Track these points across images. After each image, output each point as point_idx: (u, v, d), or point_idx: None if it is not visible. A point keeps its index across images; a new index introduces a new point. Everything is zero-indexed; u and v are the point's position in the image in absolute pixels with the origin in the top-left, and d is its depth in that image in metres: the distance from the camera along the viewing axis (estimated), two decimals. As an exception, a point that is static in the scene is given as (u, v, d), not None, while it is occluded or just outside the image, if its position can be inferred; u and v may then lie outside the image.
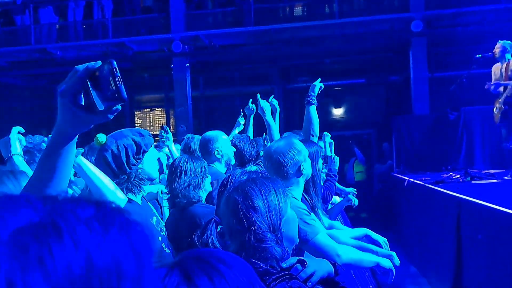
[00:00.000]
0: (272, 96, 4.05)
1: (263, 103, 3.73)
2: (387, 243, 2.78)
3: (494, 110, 6.38)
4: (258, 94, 3.85)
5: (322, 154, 3.06)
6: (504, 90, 6.13)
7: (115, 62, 0.99)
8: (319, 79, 3.62)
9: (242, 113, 4.75)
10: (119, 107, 1.03)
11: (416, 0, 10.23)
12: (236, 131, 4.77)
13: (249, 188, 1.52)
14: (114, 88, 0.99)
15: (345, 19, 10.46)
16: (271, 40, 10.85)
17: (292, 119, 11.68)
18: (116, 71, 0.99)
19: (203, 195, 2.73)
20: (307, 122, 3.45)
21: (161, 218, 2.67)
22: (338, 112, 13.84)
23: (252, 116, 4.43)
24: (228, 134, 4.84)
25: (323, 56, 11.70)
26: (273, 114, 3.92)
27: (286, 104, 11.77)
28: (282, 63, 12.01)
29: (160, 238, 2.19)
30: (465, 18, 10.05)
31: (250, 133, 4.67)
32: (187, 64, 11.23)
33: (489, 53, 6.40)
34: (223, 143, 3.51)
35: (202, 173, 2.70)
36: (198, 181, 2.66)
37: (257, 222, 1.45)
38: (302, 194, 2.67)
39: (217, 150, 3.45)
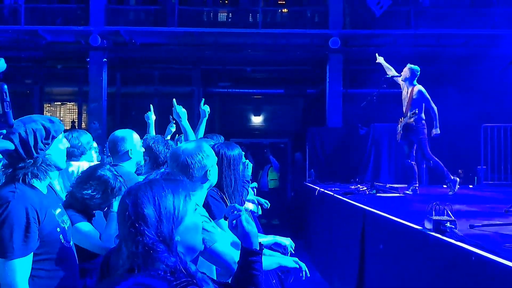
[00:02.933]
0: (203, 102, 4.05)
1: (178, 108, 3.74)
2: (293, 245, 2.88)
3: (398, 127, 6.85)
4: (174, 100, 3.84)
5: (244, 159, 3.06)
6: (404, 114, 6.60)
7: (5, 86, 0.95)
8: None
9: (172, 120, 4.67)
10: (3, 131, 0.99)
11: (335, 18, 10.71)
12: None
13: (142, 193, 1.44)
14: (1, 112, 0.95)
15: (267, 29, 10.69)
16: (194, 43, 10.80)
17: (211, 122, 11.67)
18: (6, 96, 0.94)
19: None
20: None
21: None
22: (257, 120, 14.07)
23: (204, 119, 4.32)
24: (144, 133, 4.77)
25: (244, 63, 11.85)
26: (201, 118, 3.93)
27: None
28: (204, 66, 11.99)
29: (58, 229, 2.13)
30: (378, 40, 10.69)
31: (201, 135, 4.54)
32: (105, 59, 10.84)
33: (398, 75, 6.86)
34: (134, 142, 3.45)
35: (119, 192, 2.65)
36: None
37: (146, 232, 1.38)
38: (220, 197, 2.70)
39: (129, 150, 3.39)
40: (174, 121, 4.64)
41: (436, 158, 6.54)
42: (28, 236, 1.97)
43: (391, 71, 6.92)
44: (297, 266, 2.33)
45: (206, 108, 4.00)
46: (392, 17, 10.41)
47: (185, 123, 3.71)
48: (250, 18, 10.96)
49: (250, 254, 1.75)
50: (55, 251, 2.09)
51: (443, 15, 10.87)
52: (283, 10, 11.39)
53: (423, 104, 6.61)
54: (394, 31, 10.34)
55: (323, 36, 10.74)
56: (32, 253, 2.00)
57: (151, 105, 4.25)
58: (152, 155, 3.72)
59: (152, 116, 4.50)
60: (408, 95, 6.65)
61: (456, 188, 6.48)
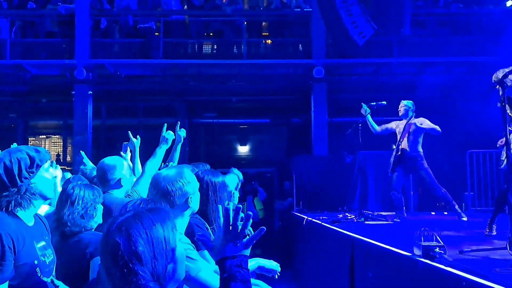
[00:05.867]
0: (178, 125, 4.01)
1: (167, 134, 3.76)
2: (279, 269, 2.81)
3: (391, 159, 6.90)
4: (165, 124, 3.83)
5: (228, 187, 2.99)
6: (396, 150, 6.68)
7: None
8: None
9: (127, 148, 4.58)
10: None
11: (318, 48, 10.87)
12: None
13: (133, 229, 1.34)
14: None
15: (251, 60, 10.79)
16: (179, 74, 10.85)
17: (196, 152, 11.65)
18: None
19: (94, 225, 2.65)
20: None
21: None
22: (243, 149, 14.05)
23: (179, 145, 4.26)
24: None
25: (229, 94, 11.90)
26: (176, 143, 3.88)
27: (191, 138, 11.72)
28: (189, 97, 12.02)
29: (36, 262, 2.09)
30: (361, 68, 10.86)
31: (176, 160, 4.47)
32: (90, 92, 10.82)
33: (383, 102, 6.94)
34: (124, 171, 3.41)
35: (94, 202, 2.63)
36: (90, 210, 2.59)
37: (140, 272, 1.30)
38: (203, 224, 2.64)
39: (120, 178, 3.34)
40: (128, 149, 4.54)
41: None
42: (2, 264, 1.93)
43: (376, 128, 6.96)
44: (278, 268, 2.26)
45: (182, 133, 3.95)
46: (374, 47, 10.59)
47: (158, 149, 3.70)
48: (234, 49, 11.07)
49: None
50: (30, 284, 2.04)
51: (424, 43, 11.11)
52: (267, 41, 11.54)
53: (422, 136, 6.69)
54: (377, 59, 10.52)
55: (307, 66, 10.88)
56: (8, 282, 1.96)
57: (129, 132, 4.17)
58: None
59: (134, 144, 4.35)
60: (407, 127, 6.72)
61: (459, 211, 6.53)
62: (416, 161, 6.67)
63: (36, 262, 2.09)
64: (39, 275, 2.10)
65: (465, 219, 6.42)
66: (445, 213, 6.53)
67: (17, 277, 2.00)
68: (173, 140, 3.90)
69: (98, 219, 2.66)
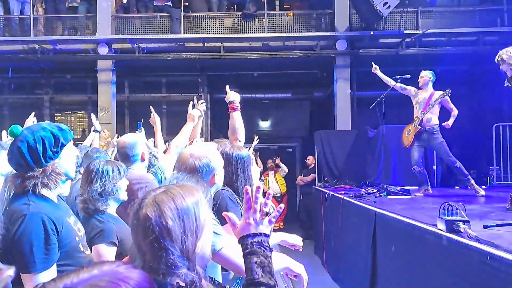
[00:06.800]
0: (203, 101, 4.00)
1: (193, 112, 3.79)
2: (302, 243, 2.84)
3: (407, 134, 6.82)
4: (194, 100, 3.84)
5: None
6: (420, 118, 6.58)
7: None
8: (228, 86, 3.64)
9: (142, 128, 4.60)
10: None
11: (341, 21, 10.65)
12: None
13: (164, 205, 1.34)
14: None
15: (273, 33, 10.67)
16: (200, 49, 10.81)
17: (219, 126, 11.68)
18: None
19: (115, 203, 2.65)
20: (232, 128, 3.38)
21: None
22: (264, 124, 14.04)
23: (201, 120, 4.28)
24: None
25: (251, 68, 11.82)
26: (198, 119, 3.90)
27: (214, 112, 11.75)
28: (210, 72, 12.00)
29: (77, 238, 2.09)
30: (385, 41, 10.61)
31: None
32: (113, 68, 10.89)
33: (407, 76, 6.81)
34: (144, 146, 3.45)
35: (115, 179, 2.60)
36: (110, 188, 2.57)
37: (169, 247, 1.31)
38: (234, 198, 2.66)
39: (140, 154, 3.37)
40: (142, 126, 4.58)
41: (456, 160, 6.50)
42: (48, 249, 1.92)
43: (390, 81, 6.89)
44: (305, 275, 2.27)
45: (202, 107, 3.93)
46: (399, 18, 10.33)
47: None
48: (256, 22, 10.94)
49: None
50: (76, 261, 2.04)
51: (452, 14, 10.78)
52: (289, 14, 11.36)
53: (439, 109, 6.61)
54: (402, 31, 10.26)
55: (330, 39, 10.70)
56: (55, 264, 1.95)
57: (151, 107, 4.18)
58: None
59: (157, 120, 4.39)
60: (427, 98, 6.62)
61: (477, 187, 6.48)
62: (431, 134, 6.59)
63: (77, 238, 2.08)
64: (82, 250, 2.11)
65: (482, 193, 6.35)
66: (469, 187, 6.45)
67: (64, 257, 1.99)
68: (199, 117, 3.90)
69: (120, 196, 2.65)
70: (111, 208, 2.62)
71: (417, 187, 7.04)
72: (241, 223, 1.66)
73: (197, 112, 3.83)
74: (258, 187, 1.63)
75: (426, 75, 6.76)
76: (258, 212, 1.63)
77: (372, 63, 7.04)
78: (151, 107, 3.95)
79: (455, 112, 6.59)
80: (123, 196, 2.66)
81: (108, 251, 2.42)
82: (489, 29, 10.32)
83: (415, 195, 6.57)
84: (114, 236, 2.46)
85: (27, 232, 1.88)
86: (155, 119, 4.23)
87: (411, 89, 6.85)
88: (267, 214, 1.65)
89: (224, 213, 1.68)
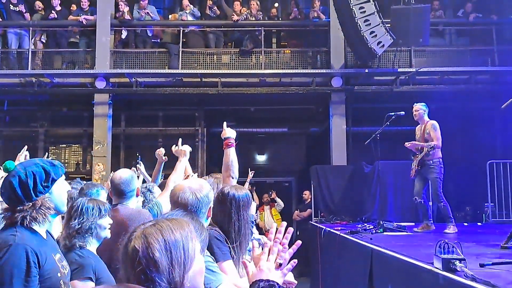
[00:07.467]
0: (181, 142, 3.89)
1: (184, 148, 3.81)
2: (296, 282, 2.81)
3: (412, 165, 6.83)
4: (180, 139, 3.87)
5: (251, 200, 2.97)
6: (420, 150, 6.61)
7: None
8: (225, 123, 3.64)
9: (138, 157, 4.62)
10: None
11: (337, 58, 10.86)
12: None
13: (152, 237, 1.36)
14: None
15: (270, 69, 10.85)
16: (198, 84, 10.94)
17: (215, 161, 11.68)
18: None
19: (95, 240, 2.66)
20: (225, 164, 3.35)
21: None
22: (261, 158, 14.06)
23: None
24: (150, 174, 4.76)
25: (248, 103, 11.95)
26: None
27: (210, 146, 11.78)
28: (207, 106, 12.10)
29: (59, 275, 2.10)
30: (379, 78, 10.79)
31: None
32: (110, 101, 10.98)
33: (401, 112, 6.90)
34: (137, 181, 3.48)
35: (94, 217, 2.64)
36: (88, 225, 2.60)
37: (157, 279, 1.32)
38: (224, 239, 2.63)
39: (134, 189, 3.39)
40: (139, 160, 4.60)
41: (445, 200, 6.50)
42: (28, 281, 1.93)
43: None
44: None
45: (187, 148, 3.88)
46: (393, 56, 10.54)
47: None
48: (253, 59, 11.13)
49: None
50: None
51: (444, 53, 11.03)
52: (285, 51, 11.58)
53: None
54: (396, 69, 10.46)
55: (326, 75, 10.87)
56: None
57: (180, 140, 4.03)
58: None
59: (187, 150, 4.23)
60: (422, 132, 6.69)
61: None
62: (428, 167, 6.59)
63: (59, 275, 2.10)
64: (62, 287, 2.11)
65: (451, 231, 6.30)
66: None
67: None
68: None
69: (102, 234, 2.68)
70: (92, 245, 2.65)
71: (413, 223, 7.02)
72: (255, 269, 1.75)
73: (188, 147, 3.84)
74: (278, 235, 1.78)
75: (420, 108, 6.83)
76: (273, 262, 1.74)
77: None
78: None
79: (434, 143, 6.54)
80: (105, 234, 2.69)
81: (84, 287, 2.42)
82: (481, 68, 10.55)
83: (415, 231, 6.55)
84: (91, 272, 2.48)
85: (10, 262, 1.92)
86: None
87: (416, 133, 6.90)
88: (280, 264, 1.75)
89: (242, 261, 1.74)
